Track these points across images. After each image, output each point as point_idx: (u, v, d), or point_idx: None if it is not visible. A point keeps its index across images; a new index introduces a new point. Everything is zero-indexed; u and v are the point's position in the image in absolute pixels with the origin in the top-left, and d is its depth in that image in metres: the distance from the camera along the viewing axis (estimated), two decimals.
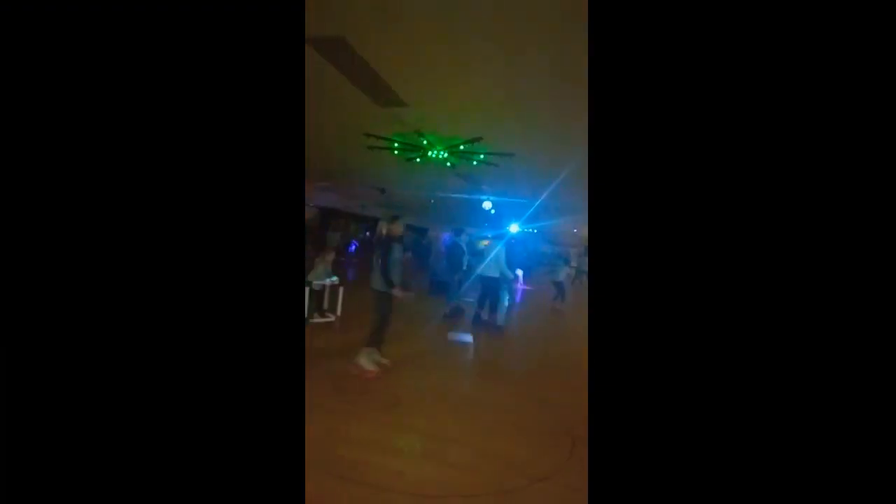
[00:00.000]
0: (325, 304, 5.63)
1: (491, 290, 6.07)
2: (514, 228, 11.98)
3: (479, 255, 7.08)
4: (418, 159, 6.65)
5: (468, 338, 5.36)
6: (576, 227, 15.65)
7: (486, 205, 10.82)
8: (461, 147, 6.10)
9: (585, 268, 14.53)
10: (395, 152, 6.45)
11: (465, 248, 7.05)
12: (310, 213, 12.62)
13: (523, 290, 11.00)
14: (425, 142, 6.02)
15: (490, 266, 6.09)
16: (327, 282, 5.53)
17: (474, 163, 6.51)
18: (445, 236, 16.60)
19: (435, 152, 6.33)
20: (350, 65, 3.59)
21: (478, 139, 5.76)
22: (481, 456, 2.43)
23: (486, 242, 7.34)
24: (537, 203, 10.24)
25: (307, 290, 5.13)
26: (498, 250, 6.18)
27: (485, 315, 6.06)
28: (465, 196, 10.57)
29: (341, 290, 5.72)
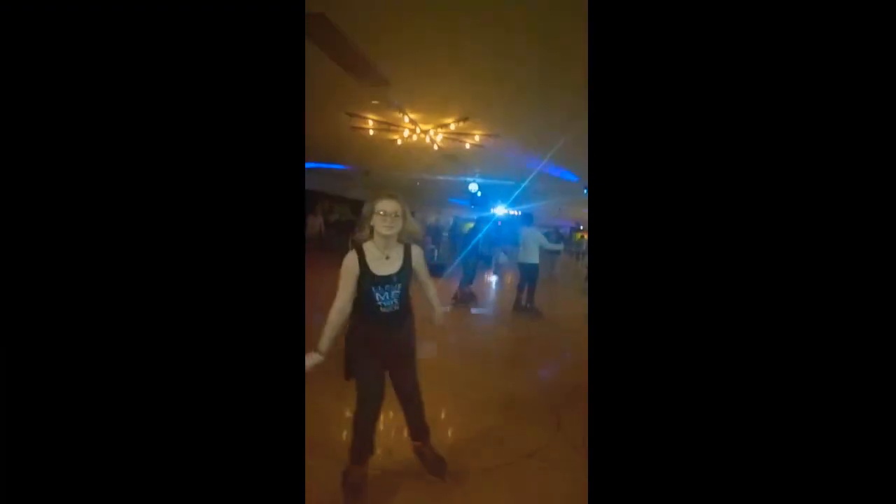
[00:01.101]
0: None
1: (530, 276, 6.03)
2: (499, 210, 11.98)
3: (466, 237, 7.07)
4: (402, 140, 6.55)
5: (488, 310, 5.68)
6: (560, 209, 15.75)
7: (473, 187, 10.78)
8: (447, 127, 6.02)
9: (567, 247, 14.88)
10: (380, 133, 6.34)
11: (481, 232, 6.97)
12: None
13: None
14: (417, 126, 5.93)
15: (529, 252, 6.00)
16: None
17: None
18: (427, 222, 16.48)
19: (420, 133, 6.24)
20: (330, 41, 3.48)
21: (464, 119, 5.69)
22: (470, 433, 2.47)
23: (471, 225, 7.35)
24: (523, 185, 10.25)
25: None
26: (534, 234, 6.04)
27: (524, 300, 6.06)
28: (451, 178, 10.50)
29: None
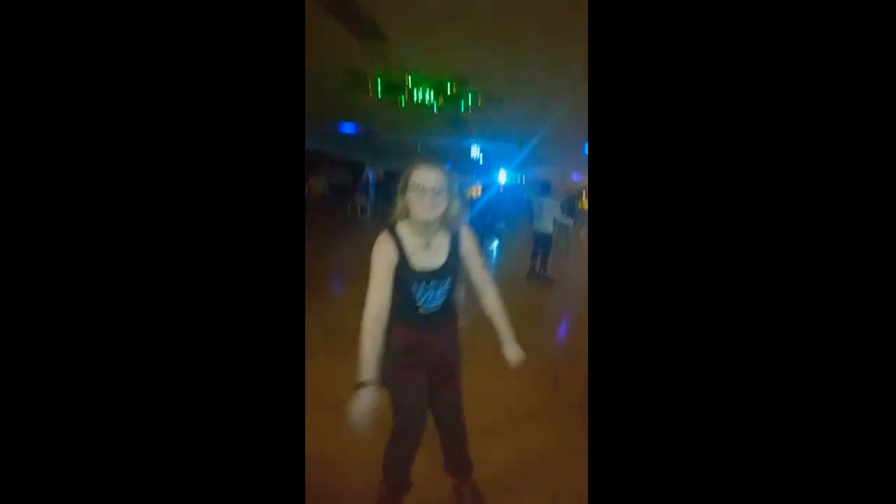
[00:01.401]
0: None
1: (544, 244, 6.09)
2: (501, 177, 11.84)
3: (470, 203, 7.08)
4: (402, 100, 6.40)
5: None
6: (563, 177, 15.59)
7: (474, 151, 10.62)
8: (448, 88, 5.87)
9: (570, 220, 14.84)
10: (378, 92, 6.18)
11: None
12: None
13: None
14: (418, 89, 5.76)
15: (544, 221, 6.02)
16: None
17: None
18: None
19: (420, 93, 6.08)
20: None
21: (465, 81, 5.55)
22: (468, 392, 2.56)
23: (476, 191, 7.33)
24: (526, 151, 10.09)
25: None
26: (549, 204, 6.07)
27: (538, 268, 6.14)
28: (453, 141, 10.32)
29: None
